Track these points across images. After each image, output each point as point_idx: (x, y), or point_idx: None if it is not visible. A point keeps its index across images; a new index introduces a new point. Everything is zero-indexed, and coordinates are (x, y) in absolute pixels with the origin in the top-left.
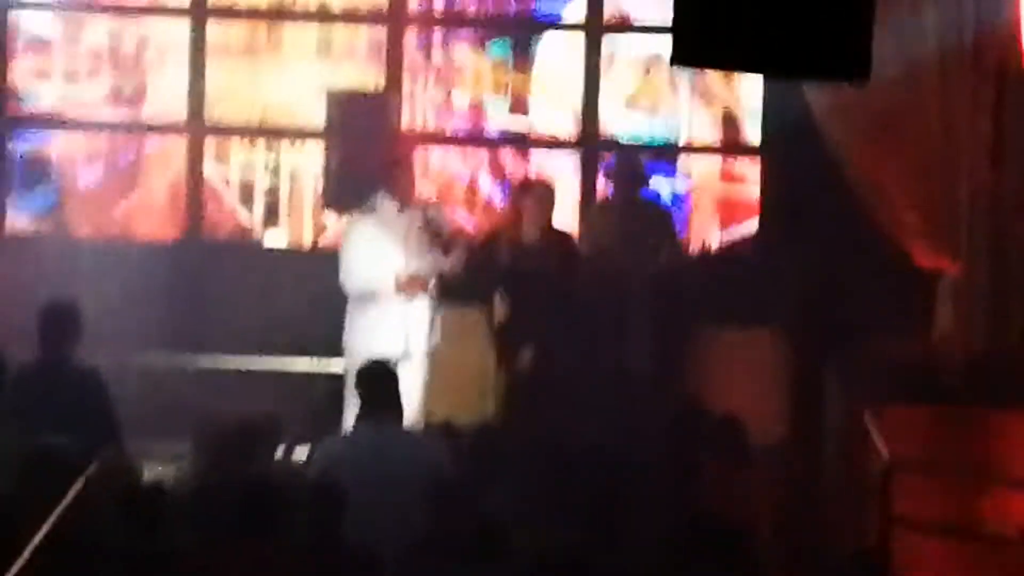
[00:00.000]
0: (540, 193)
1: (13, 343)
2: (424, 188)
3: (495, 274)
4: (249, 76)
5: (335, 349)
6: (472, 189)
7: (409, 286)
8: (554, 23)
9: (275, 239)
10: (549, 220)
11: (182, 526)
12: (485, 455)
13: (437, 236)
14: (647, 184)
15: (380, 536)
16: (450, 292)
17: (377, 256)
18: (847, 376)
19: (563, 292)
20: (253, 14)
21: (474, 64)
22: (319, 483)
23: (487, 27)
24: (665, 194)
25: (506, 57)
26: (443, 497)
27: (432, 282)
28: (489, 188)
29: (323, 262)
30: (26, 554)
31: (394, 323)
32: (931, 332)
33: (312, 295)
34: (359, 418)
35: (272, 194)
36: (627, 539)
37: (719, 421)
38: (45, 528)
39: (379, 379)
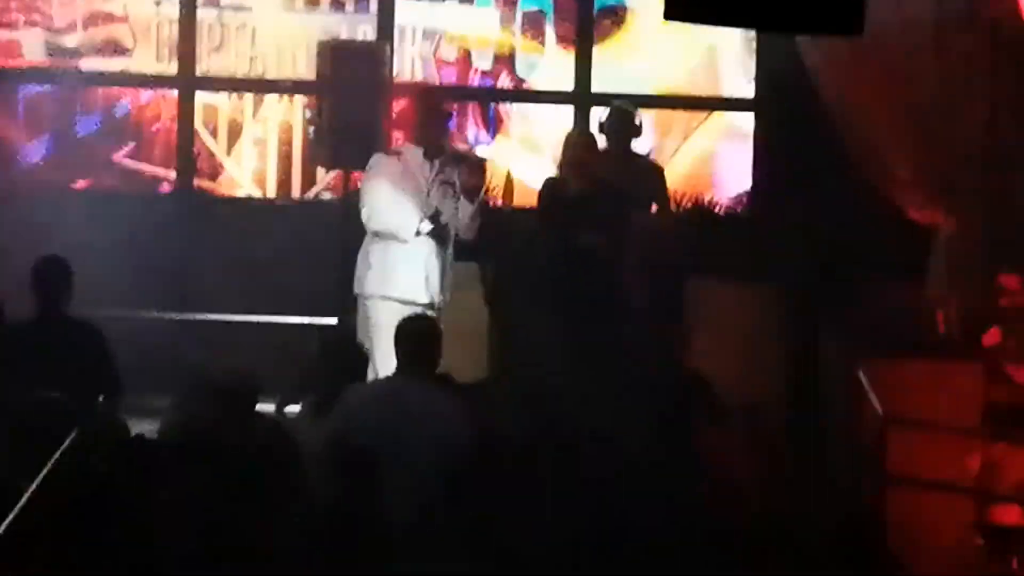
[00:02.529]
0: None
1: (6, 296)
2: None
3: (491, 231)
4: (239, 27)
5: (327, 303)
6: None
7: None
8: None
9: (265, 192)
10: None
11: (175, 482)
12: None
13: (454, 186)
14: (640, 137)
15: (396, 497)
16: (457, 245)
17: (400, 199)
18: (842, 331)
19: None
20: None
21: (463, 15)
22: (339, 440)
23: None
24: (658, 147)
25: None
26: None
27: (447, 232)
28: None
29: (313, 215)
30: (18, 508)
31: (416, 269)
32: (925, 286)
33: (302, 249)
34: (396, 371)
35: (261, 147)
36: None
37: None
38: (37, 482)
39: (420, 334)
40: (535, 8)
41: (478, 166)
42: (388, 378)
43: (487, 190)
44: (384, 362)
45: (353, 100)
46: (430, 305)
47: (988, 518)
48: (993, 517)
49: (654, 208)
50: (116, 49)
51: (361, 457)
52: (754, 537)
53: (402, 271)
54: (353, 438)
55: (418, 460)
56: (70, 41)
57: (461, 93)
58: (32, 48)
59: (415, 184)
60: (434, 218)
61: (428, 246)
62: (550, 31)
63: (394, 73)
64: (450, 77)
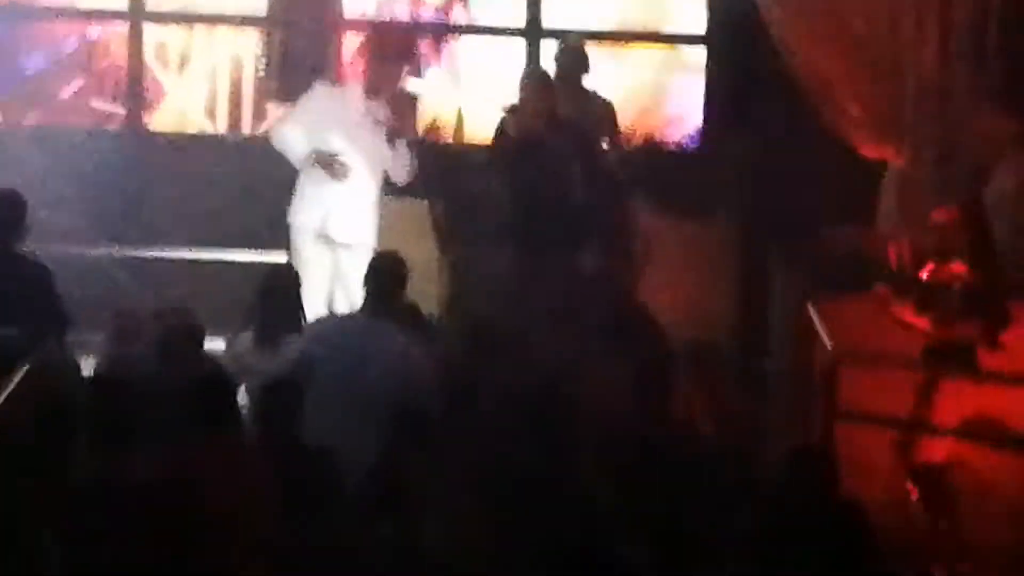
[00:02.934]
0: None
1: None
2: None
3: (441, 168)
4: None
5: (276, 239)
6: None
7: (328, 165)
8: None
9: (216, 127)
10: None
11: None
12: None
13: (391, 126)
14: (590, 73)
15: (357, 437)
16: (398, 184)
17: (306, 127)
18: (792, 268)
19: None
20: None
21: None
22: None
23: None
24: (609, 83)
25: None
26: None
27: (379, 171)
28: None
29: (264, 150)
30: None
31: (318, 202)
32: (876, 223)
33: (253, 184)
34: (359, 309)
35: (213, 82)
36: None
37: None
38: None
39: (382, 274)
40: None
41: (406, 108)
42: (350, 316)
43: (416, 132)
44: (307, 290)
45: (304, 36)
46: (329, 239)
47: (919, 456)
48: (923, 456)
49: (605, 144)
50: None
51: (295, 395)
52: (702, 473)
53: (307, 203)
54: (301, 378)
55: (375, 399)
56: None
57: (410, 29)
58: None
59: (342, 120)
60: (329, 154)
61: (338, 181)
62: None
63: (345, 9)
64: (404, 13)
